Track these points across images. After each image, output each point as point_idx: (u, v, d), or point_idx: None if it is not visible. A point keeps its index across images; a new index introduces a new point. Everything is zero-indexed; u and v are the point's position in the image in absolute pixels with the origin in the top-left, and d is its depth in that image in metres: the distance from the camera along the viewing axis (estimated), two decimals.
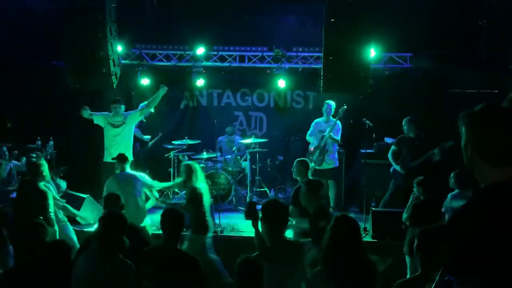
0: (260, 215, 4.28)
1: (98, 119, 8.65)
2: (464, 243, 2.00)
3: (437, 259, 3.94)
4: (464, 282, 2.02)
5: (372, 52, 8.69)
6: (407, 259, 6.27)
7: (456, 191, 6.54)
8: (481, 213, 2.00)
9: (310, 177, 6.72)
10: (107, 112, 8.68)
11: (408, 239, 6.31)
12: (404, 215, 6.55)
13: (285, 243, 4.32)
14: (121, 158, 7.25)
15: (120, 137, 8.56)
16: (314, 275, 3.72)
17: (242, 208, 9.12)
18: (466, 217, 2.06)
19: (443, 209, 6.48)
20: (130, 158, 8.00)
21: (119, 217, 4.54)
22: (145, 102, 8.75)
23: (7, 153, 8.78)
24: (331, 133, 8.85)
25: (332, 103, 9.05)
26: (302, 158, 6.96)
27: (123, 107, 8.71)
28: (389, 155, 8.51)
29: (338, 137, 9.01)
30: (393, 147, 8.55)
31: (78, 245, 6.24)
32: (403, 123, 8.49)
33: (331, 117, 9.01)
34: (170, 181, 9.94)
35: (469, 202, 2.15)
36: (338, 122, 8.95)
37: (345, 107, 8.81)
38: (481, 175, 2.11)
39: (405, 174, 8.23)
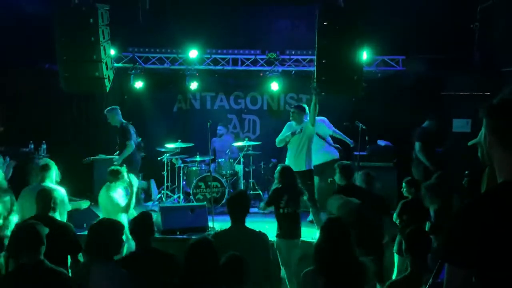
0: None
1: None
2: (470, 232, 1.99)
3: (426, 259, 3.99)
4: (456, 273, 2.02)
5: (365, 55, 8.71)
6: (396, 258, 6.37)
7: None
8: (495, 205, 2.01)
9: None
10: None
11: (398, 238, 6.37)
12: (394, 215, 6.60)
13: None
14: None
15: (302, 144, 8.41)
16: (304, 273, 3.76)
17: None
18: (479, 207, 2.05)
19: None
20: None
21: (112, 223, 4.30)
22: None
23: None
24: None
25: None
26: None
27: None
28: (419, 153, 8.62)
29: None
30: (419, 142, 8.64)
31: None
32: (429, 118, 8.77)
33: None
34: (163, 184, 9.95)
35: (485, 192, 2.11)
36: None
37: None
38: (499, 164, 2.10)
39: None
